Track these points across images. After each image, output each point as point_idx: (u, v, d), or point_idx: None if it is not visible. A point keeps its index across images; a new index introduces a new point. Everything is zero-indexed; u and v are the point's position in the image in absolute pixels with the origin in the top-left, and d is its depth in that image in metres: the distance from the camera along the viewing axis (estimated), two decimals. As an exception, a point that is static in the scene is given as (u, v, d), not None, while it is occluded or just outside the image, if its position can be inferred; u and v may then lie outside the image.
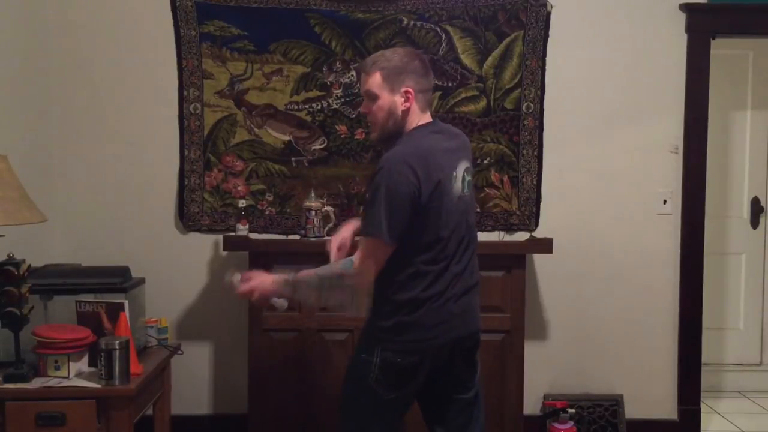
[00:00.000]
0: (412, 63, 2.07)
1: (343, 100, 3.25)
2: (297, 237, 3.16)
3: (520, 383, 3.07)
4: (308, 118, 3.28)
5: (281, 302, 2.24)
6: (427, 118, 2.11)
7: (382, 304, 2.06)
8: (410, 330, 2.01)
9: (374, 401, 2.06)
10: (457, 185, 2.05)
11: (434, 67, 3.23)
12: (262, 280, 2.15)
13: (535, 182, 3.32)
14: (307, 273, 2.10)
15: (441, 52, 3.25)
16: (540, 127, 3.30)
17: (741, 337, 4.25)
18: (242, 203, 3.23)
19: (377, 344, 2.04)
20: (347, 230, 2.35)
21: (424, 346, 2.03)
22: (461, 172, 2.07)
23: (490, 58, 3.27)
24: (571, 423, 3.23)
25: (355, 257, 2.03)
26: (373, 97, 2.08)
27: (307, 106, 3.27)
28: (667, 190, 3.38)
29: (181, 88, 3.25)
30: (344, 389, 2.16)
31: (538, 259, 3.33)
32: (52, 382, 2.34)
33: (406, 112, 2.06)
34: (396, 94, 2.05)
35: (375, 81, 2.06)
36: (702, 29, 3.32)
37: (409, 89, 2.05)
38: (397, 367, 2.03)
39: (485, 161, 3.30)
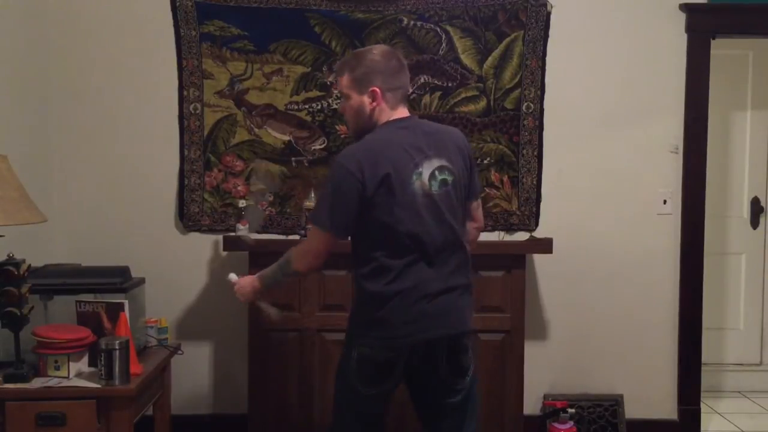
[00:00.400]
0: (382, 63, 2.12)
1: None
2: (297, 237, 3.16)
3: (520, 383, 3.07)
4: (308, 118, 3.28)
5: (266, 307, 2.37)
6: (399, 114, 2.13)
7: (357, 298, 2.12)
8: (379, 326, 2.03)
9: (355, 396, 2.10)
10: (422, 182, 2.03)
11: (434, 67, 3.25)
12: (243, 283, 2.33)
13: (535, 182, 3.32)
14: (270, 266, 2.26)
15: (441, 52, 3.25)
16: (540, 127, 3.30)
17: (741, 337, 4.25)
18: (242, 203, 3.23)
19: (354, 339, 2.09)
20: None
21: (395, 344, 2.04)
22: (429, 168, 2.05)
23: (490, 58, 3.27)
24: (571, 423, 3.23)
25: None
26: (345, 97, 2.16)
27: (307, 106, 3.27)
28: (667, 190, 3.38)
29: (181, 88, 3.25)
30: (335, 384, 2.21)
31: (538, 259, 3.33)
32: (52, 382, 2.34)
33: (374, 110, 2.12)
34: (364, 95, 2.11)
35: (344, 82, 2.15)
36: (702, 29, 3.32)
37: (376, 89, 2.09)
38: (372, 363, 2.05)
39: (485, 161, 3.30)
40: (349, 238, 2.11)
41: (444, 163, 2.08)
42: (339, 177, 2.03)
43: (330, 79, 3.25)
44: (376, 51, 2.16)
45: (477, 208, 2.26)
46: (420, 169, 2.03)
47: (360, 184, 1.99)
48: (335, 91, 3.25)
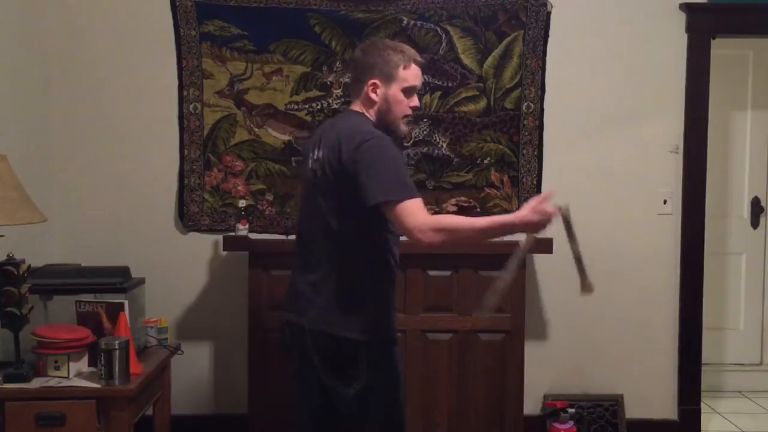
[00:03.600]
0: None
1: (343, 99, 3.25)
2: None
3: (520, 383, 3.07)
4: (308, 118, 3.28)
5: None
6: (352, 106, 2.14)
7: None
8: None
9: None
10: (308, 166, 2.07)
11: (434, 66, 3.25)
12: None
13: (535, 182, 3.32)
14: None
15: (441, 52, 3.25)
16: (540, 127, 3.30)
17: (741, 337, 4.25)
18: (242, 203, 3.23)
19: None
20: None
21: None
22: (313, 154, 2.04)
23: (490, 58, 3.27)
24: (572, 423, 3.23)
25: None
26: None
27: (307, 106, 3.27)
28: (667, 190, 3.38)
29: (181, 87, 3.25)
30: None
31: (538, 259, 3.33)
32: (52, 382, 2.34)
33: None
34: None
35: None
36: (702, 29, 3.32)
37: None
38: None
39: (485, 161, 3.30)
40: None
41: (325, 152, 1.98)
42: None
43: (330, 78, 3.25)
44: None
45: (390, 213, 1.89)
46: (310, 153, 2.07)
47: None
48: (335, 91, 3.25)
